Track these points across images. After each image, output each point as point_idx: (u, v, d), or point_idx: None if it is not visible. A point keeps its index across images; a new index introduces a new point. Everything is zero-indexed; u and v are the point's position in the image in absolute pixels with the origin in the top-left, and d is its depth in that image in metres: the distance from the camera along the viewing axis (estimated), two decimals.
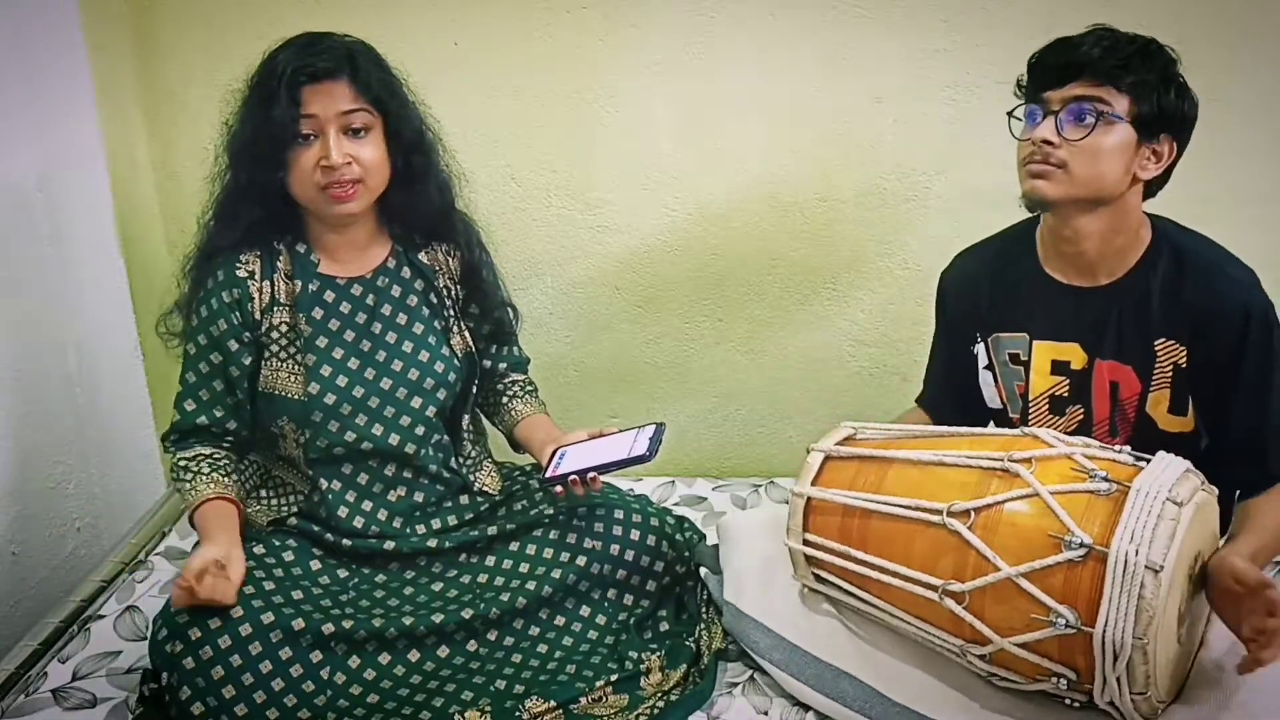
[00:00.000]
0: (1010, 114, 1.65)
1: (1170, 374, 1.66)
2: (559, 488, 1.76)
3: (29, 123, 2.00)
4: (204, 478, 1.74)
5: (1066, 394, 1.74)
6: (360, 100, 1.69)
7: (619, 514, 1.84)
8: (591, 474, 1.73)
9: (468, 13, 2.19)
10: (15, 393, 1.96)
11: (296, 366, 1.76)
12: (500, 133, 2.26)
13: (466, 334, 1.88)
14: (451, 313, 1.87)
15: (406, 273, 1.84)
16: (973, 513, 1.47)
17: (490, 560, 1.81)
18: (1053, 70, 1.59)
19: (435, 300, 1.86)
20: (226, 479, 1.75)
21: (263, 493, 1.85)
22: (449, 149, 1.84)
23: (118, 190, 2.25)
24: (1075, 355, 1.72)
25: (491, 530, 1.82)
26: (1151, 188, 1.65)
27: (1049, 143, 1.58)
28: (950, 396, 1.91)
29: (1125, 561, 1.34)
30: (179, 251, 1.86)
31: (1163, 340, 1.65)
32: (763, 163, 2.26)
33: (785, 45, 2.18)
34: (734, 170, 2.27)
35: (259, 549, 1.73)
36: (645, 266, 2.35)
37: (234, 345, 1.75)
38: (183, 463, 1.76)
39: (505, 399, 1.97)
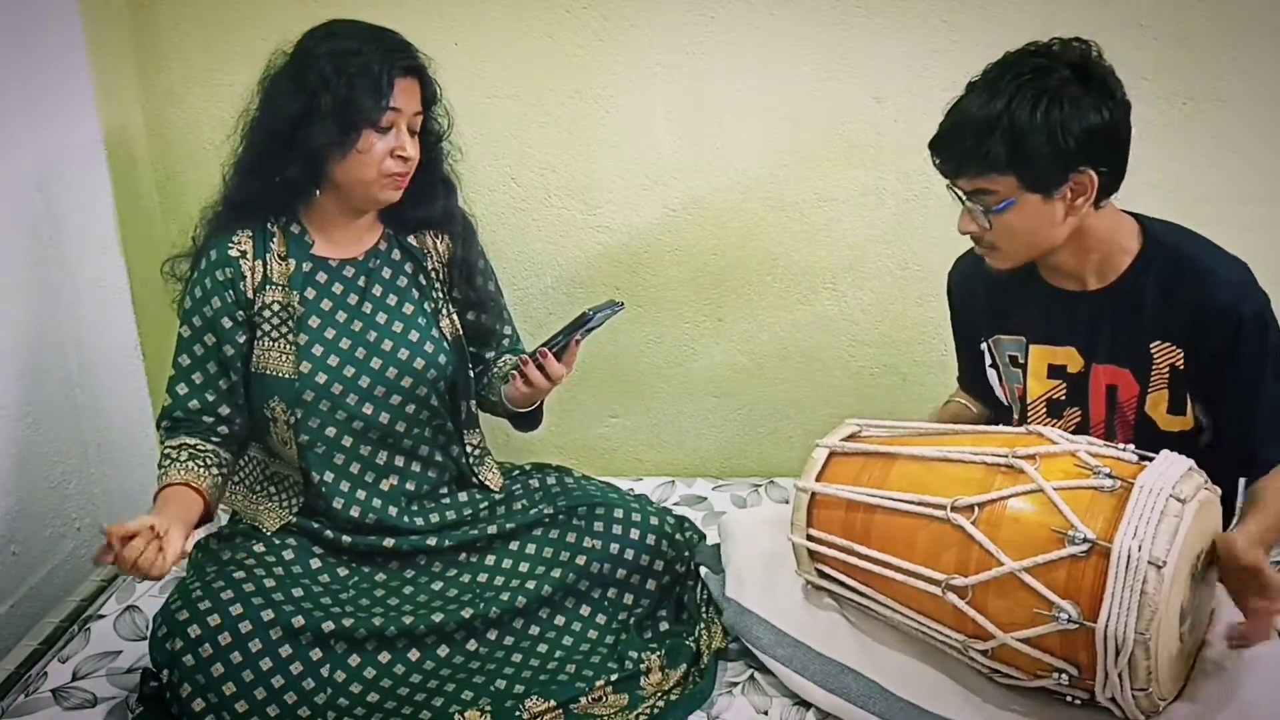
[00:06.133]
0: (949, 188, 1.65)
1: (1168, 375, 1.65)
2: (546, 354, 1.72)
3: (29, 123, 2.00)
4: (179, 465, 1.72)
5: (1063, 397, 1.74)
6: (422, 102, 1.76)
7: (619, 513, 1.84)
8: (576, 338, 1.72)
9: (467, 13, 2.19)
10: (15, 393, 1.96)
11: (288, 346, 1.76)
12: (500, 133, 2.26)
13: (455, 318, 1.89)
14: (440, 295, 1.88)
15: (397, 255, 1.86)
16: (977, 508, 1.47)
17: (490, 559, 1.82)
18: (940, 168, 1.63)
19: (424, 282, 1.87)
20: (201, 469, 1.72)
21: (271, 489, 1.84)
22: (454, 145, 1.87)
23: (118, 190, 2.25)
24: (1071, 359, 1.72)
25: (491, 529, 1.83)
26: (1102, 195, 1.60)
27: (973, 232, 1.62)
28: (977, 383, 1.91)
29: (1128, 556, 1.34)
30: (179, 251, 1.86)
31: (1158, 343, 1.65)
32: (763, 163, 2.26)
33: (785, 45, 2.18)
34: (734, 170, 2.27)
35: (259, 547, 1.74)
36: (645, 266, 2.35)
37: (227, 323, 1.75)
38: (166, 451, 1.74)
39: (502, 362, 1.96)
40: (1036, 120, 1.52)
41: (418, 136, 1.77)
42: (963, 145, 1.57)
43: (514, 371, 1.75)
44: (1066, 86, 1.53)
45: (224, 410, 1.77)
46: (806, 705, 1.60)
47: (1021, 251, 1.63)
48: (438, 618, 1.69)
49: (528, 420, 1.93)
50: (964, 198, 1.61)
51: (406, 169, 1.74)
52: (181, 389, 1.77)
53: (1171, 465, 1.45)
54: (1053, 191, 1.56)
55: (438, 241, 1.90)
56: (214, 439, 1.76)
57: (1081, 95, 1.53)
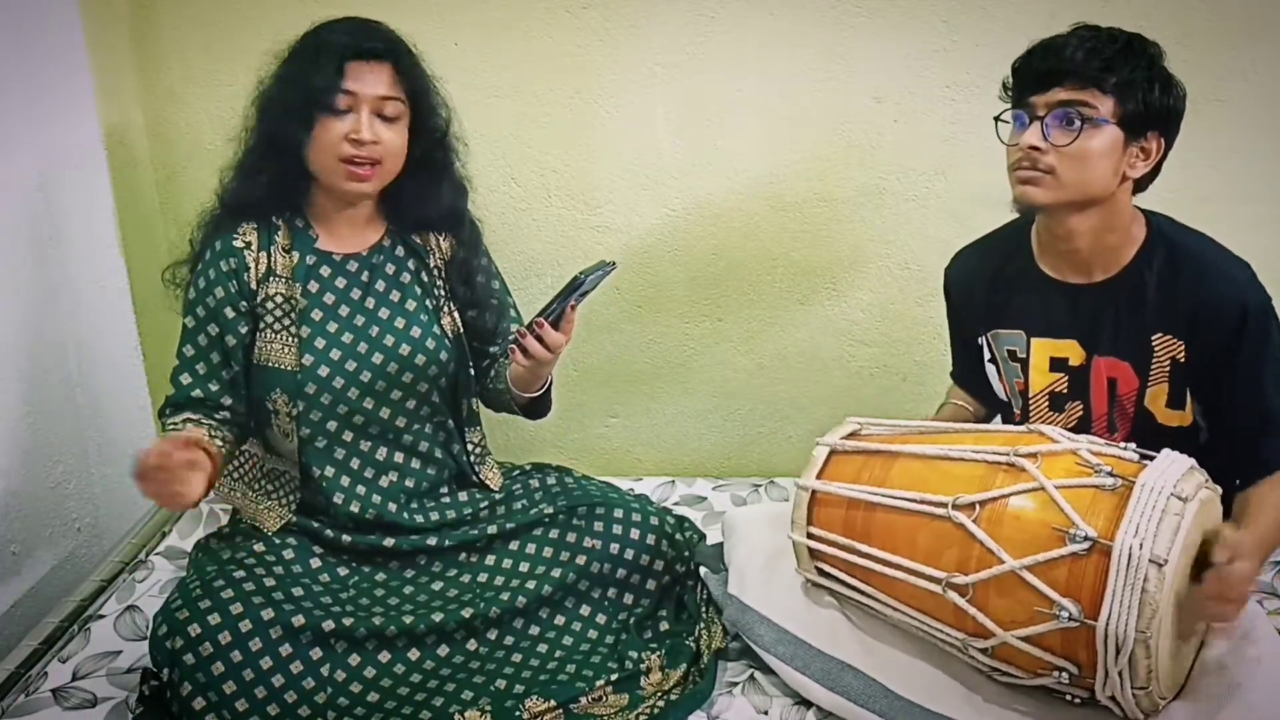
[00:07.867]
0: (997, 118, 1.65)
1: (1168, 368, 1.66)
2: (542, 324, 1.67)
3: (29, 123, 2.00)
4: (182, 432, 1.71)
5: (1065, 390, 1.75)
6: (397, 89, 1.73)
7: (619, 513, 1.84)
8: (571, 304, 1.66)
9: (468, 13, 2.19)
10: (15, 393, 1.95)
11: (290, 338, 1.76)
12: (500, 133, 2.26)
13: (456, 315, 1.89)
14: (442, 292, 1.88)
15: (400, 251, 1.86)
16: (977, 506, 1.47)
17: (490, 559, 1.82)
18: (1036, 75, 1.59)
19: (427, 279, 1.87)
20: (205, 437, 1.69)
21: (268, 486, 1.84)
22: (467, 151, 1.88)
23: (118, 190, 2.25)
24: (1073, 352, 1.72)
25: (492, 529, 1.83)
26: (1141, 183, 1.65)
27: (1036, 149, 1.57)
28: (973, 378, 1.91)
29: (1129, 554, 1.34)
30: (179, 251, 1.86)
31: (1160, 335, 1.65)
32: (763, 163, 2.26)
33: (785, 45, 2.18)
34: (734, 170, 2.27)
35: (259, 547, 1.74)
36: (645, 266, 2.34)
37: (230, 313, 1.75)
38: (168, 427, 1.74)
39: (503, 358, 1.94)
40: (1158, 65, 1.58)
41: (408, 130, 1.76)
42: (1080, 51, 1.55)
43: (512, 345, 1.71)
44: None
45: (227, 400, 1.77)
46: (807, 705, 1.60)
47: (1073, 186, 1.58)
48: (438, 617, 1.69)
49: (536, 408, 1.91)
50: (1040, 114, 1.58)
51: (366, 155, 1.70)
52: (185, 378, 1.76)
53: (1173, 464, 1.45)
54: (1136, 136, 1.58)
55: (441, 239, 1.89)
56: (215, 418, 1.76)
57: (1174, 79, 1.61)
